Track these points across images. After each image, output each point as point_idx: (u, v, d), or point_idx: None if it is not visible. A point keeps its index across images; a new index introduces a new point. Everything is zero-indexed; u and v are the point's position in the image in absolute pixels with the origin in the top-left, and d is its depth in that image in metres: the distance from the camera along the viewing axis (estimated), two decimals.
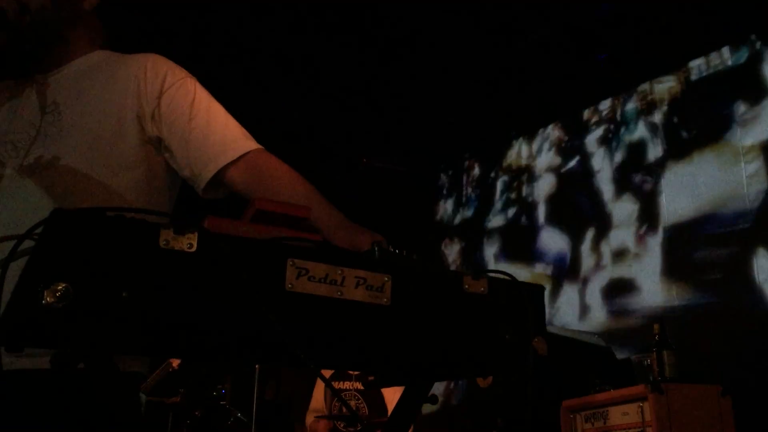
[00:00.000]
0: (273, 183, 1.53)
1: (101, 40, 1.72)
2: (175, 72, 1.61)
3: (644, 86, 4.94)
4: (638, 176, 4.86)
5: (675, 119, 4.74)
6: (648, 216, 4.72)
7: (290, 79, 4.97)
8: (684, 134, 4.67)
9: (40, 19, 1.57)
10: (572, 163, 5.38)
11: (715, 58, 4.59)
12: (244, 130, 1.59)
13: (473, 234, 6.13)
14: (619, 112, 5.09)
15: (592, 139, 5.25)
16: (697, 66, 4.68)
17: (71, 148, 1.52)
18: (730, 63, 4.51)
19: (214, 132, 1.55)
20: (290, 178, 1.55)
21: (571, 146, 5.42)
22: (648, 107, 4.90)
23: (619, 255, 4.84)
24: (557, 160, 5.53)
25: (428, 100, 5.33)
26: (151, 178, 1.59)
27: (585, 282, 5.04)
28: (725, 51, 4.56)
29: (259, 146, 1.58)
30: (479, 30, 4.62)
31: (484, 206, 6.08)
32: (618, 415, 3.29)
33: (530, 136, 5.76)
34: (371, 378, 1.42)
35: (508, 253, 5.77)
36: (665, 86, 4.84)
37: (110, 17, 1.76)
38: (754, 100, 4.29)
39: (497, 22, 4.55)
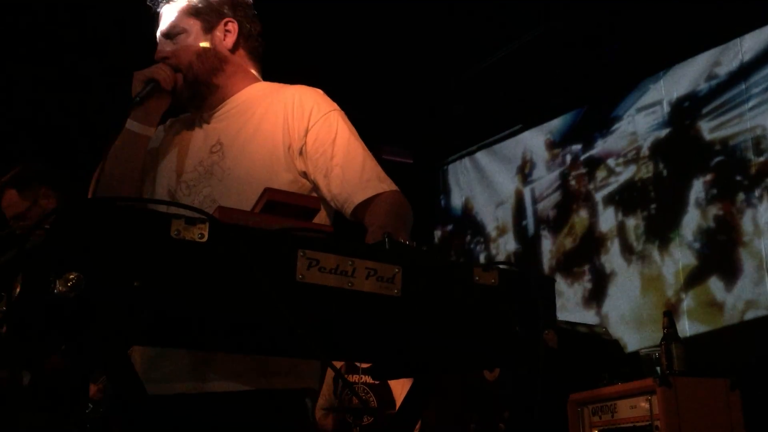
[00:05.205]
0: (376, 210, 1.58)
1: (256, 71, 1.82)
2: (321, 107, 1.70)
3: None
4: None
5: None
6: None
7: (296, 73, 4.97)
8: None
9: (191, 76, 1.71)
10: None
11: None
12: (378, 171, 1.66)
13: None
14: None
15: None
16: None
17: (233, 188, 1.62)
18: None
19: (353, 171, 1.63)
20: (391, 207, 1.57)
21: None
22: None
23: None
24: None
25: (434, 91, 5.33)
26: None
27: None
28: None
29: (392, 188, 1.63)
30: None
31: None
32: (626, 409, 3.27)
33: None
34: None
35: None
36: None
37: None
38: None
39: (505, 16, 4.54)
